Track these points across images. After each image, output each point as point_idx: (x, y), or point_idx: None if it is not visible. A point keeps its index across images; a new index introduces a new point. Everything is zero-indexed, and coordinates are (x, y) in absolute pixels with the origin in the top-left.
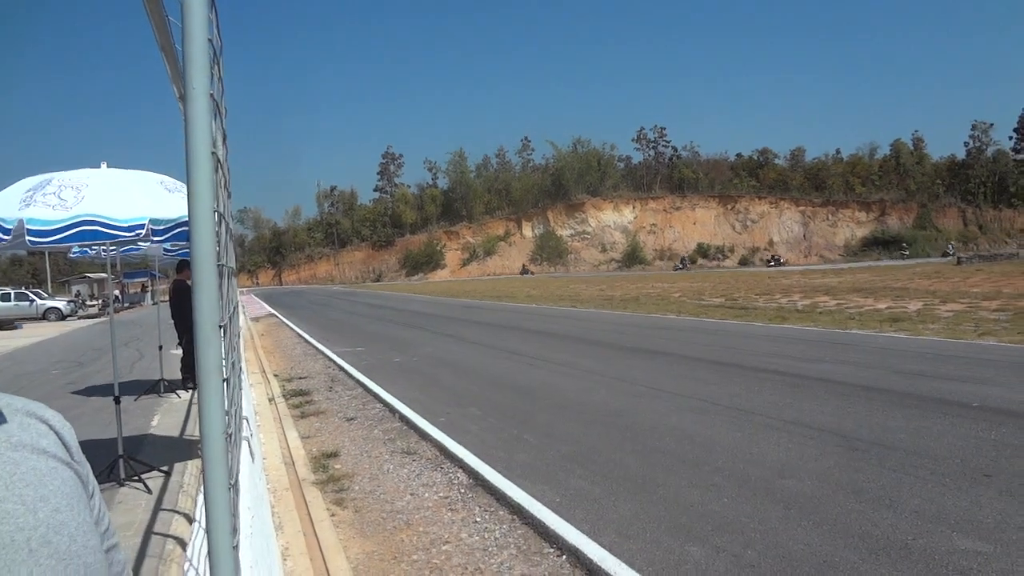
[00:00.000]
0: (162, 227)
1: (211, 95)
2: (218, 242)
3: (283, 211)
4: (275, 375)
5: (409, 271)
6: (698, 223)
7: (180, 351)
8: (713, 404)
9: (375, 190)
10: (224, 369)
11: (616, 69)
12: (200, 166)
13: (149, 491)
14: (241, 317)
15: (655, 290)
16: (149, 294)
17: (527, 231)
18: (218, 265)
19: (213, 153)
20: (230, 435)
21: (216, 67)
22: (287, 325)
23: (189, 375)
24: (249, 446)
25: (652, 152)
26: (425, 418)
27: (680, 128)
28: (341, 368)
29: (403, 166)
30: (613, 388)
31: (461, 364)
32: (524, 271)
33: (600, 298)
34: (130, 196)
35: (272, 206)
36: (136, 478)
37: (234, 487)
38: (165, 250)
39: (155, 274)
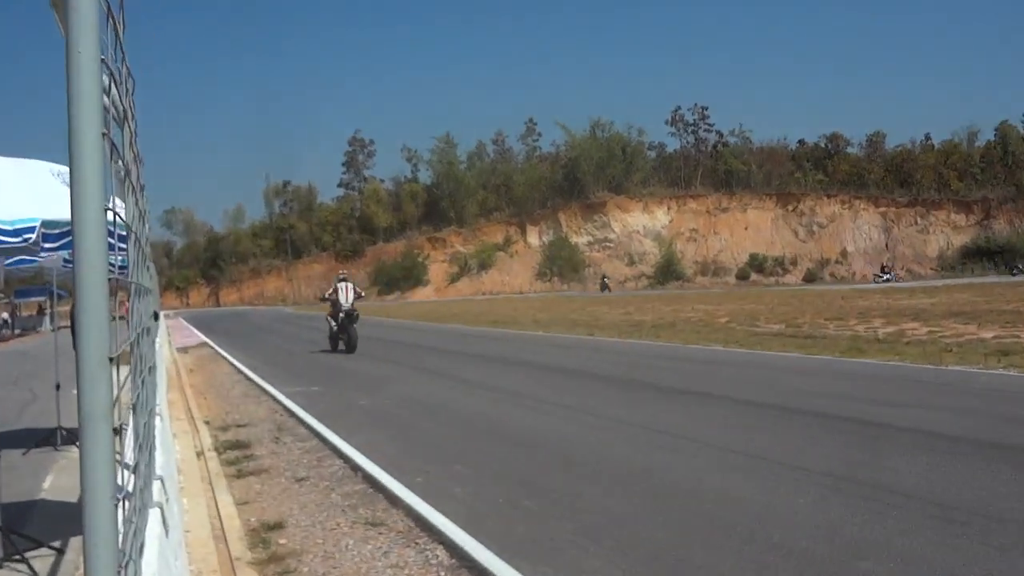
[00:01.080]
0: (58, 231)
1: (102, 60)
2: (127, 250)
3: (221, 212)
4: (206, 422)
5: (383, 289)
6: (751, 228)
7: None
8: (767, 461)
9: (339, 185)
10: (116, 415)
11: (645, 33)
12: (85, 149)
13: (35, 575)
14: (163, 347)
15: (696, 313)
16: (47, 317)
17: (533, 238)
18: (112, 279)
19: (104, 134)
20: (123, 500)
21: (112, 17)
22: (223, 357)
23: None
24: (162, 515)
25: (691, 138)
26: (397, 478)
27: (726, 108)
28: (291, 413)
29: (374, 155)
30: (639, 439)
31: (446, 409)
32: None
33: (626, 323)
34: (14, 192)
35: (208, 206)
36: (18, 557)
37: (125, 569)
38: (66, 261)
39: (54, 292)
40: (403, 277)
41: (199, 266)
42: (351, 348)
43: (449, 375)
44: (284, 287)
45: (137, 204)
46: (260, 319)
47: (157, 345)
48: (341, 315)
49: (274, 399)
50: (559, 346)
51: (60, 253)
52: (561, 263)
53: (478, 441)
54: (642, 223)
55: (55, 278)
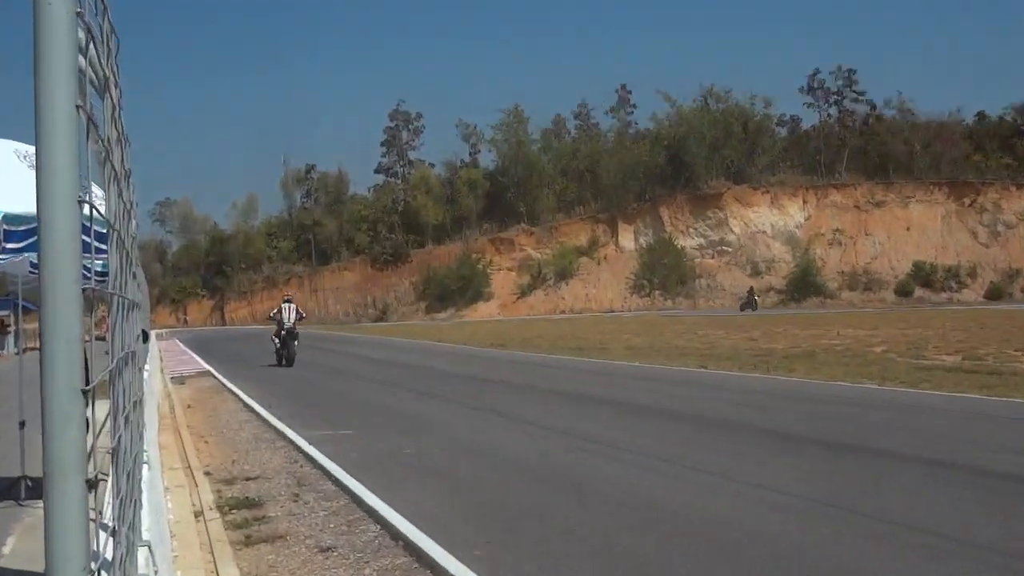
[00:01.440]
0: (24, 227)
1: (78, 13)
2: (108, 252)
3: (228, 205)
4: (207, 473)
5: (432, 304)
6: (914, 228)
7: None
8: (940, 537)
9: (377, 171)
10: (92, 463)
11: None
12: (55, 124)
13: None
14: (153, 376)
15: (842, 340)
16: (11, 337)
17: (627, 240)
18: (87, 289)
19: (79, 106)
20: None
21: None
22: (230, 390)
23: None
24: None
25: (834, 110)
26: (450, 550)
27: (880, 71)
28: (315, 463)
29: (422, 133)
30: (819, 521)
31: (512, 460)
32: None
33: (750, 352)
34: None
35: (211, 197)
36: None
37: None
38: (33, 266)
39: (19, 304)
40: (459, 289)
41: (200, 273)
42: (289, 362)
43: (516, 416)
44: (306, 300)
45: (121, 195)
46: None
47: (146, 374)
48: (283, 332)
49: (293, 445)
50: (661, 381)
51: (26, 255)
52: (663, 272)
53: (559, 505)
54: (770, 221)
55: (20, 287)
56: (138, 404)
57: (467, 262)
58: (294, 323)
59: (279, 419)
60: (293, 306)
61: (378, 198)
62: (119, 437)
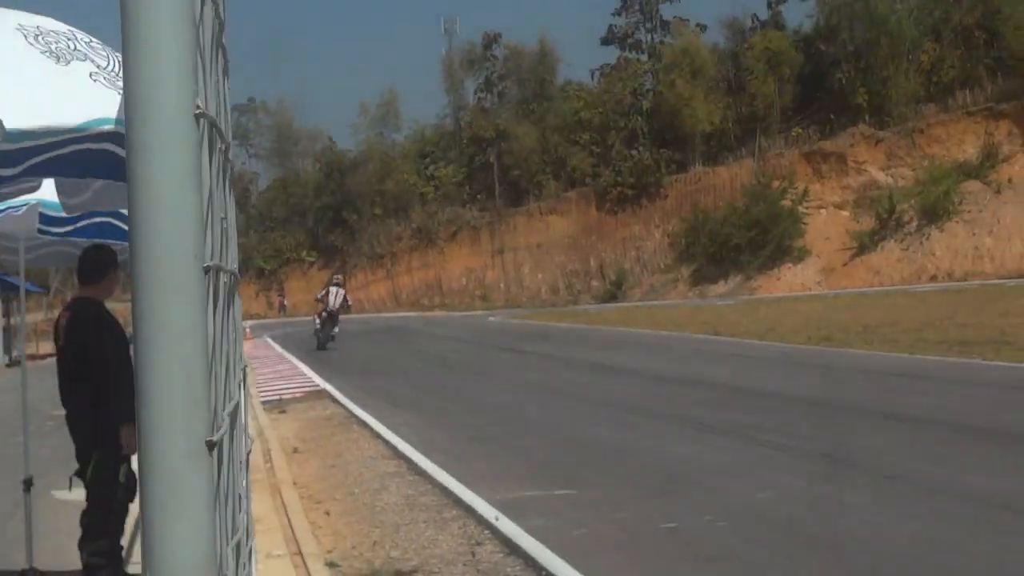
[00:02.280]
0: (36, 154)
1: None
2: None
3: (354, 109)
4: (332, 565)
5: (702, 271)
6: None
7: (79, 490)
8: None
9: (607, 41)
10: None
11: None
12: None
13: None
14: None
15: None
16: (0, 336)
17: None
18: (206, 268)
19: None
20: None
21: None
22: (363, 422)
23: (102, 558)
24: None
25: None
26: None
27: None
28: (513, 549)
29: None
30: None
31: (864, 543)
32: None
33: None
34: None
35: (324, 99)
36: None
37: None
38: (47, 223)
39: (20, 285)
40: (749, 244)
41: (307, 226)
42: (321, 345)
43: (862, 466)
44: (485, 269)
45: (220, 92)
46: (449, 339)
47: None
48: (325, 314)
49: (474, 515)
50: None
51: (32, 203)
52: None
53: None
54: None
55: (22, 257)
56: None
57: (764, 195)
58: (338, 308)
59: (448, 470)
60: (342, 291)
61: (608, 88)
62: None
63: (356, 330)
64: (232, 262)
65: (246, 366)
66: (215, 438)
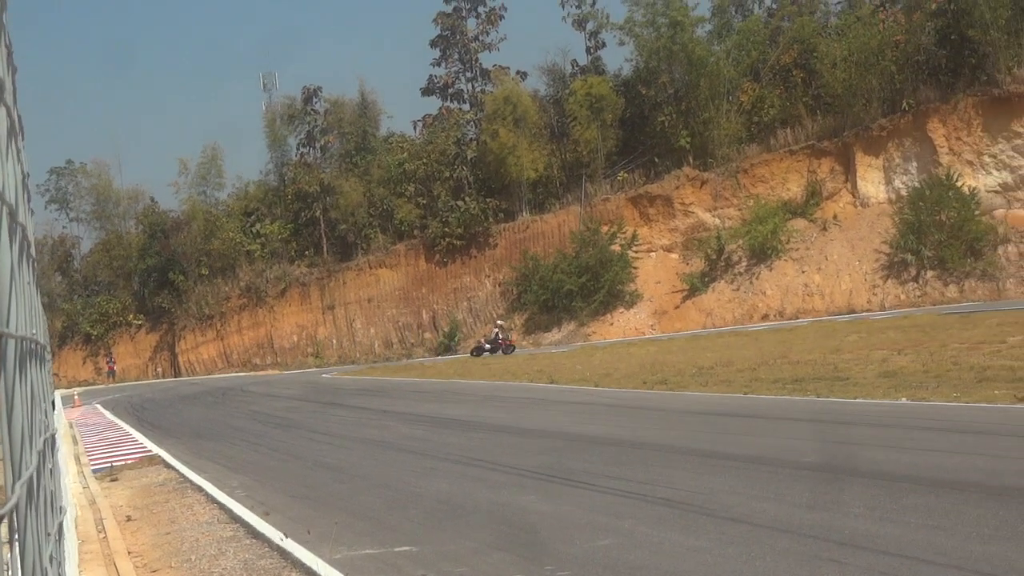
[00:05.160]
0: None
1: None
2: None
3: (174, 168)
4: None
5: (536, 319)
6: None
7: None
8: None
9: (428, 91)
10: None
11: None
12: None
13: None
14: (66, 470)
15: None
16: None
17: (871, 182)
18: None
19: None
20: None
21: None
22: (196, 486)
23: None
24: None
25: None
26: None
27: None
28: None
29: (502, 20)
30: None
31: None
32: None
33: None
34: None
35: (142, 157)
36: None
37: None
38: None
39: None
40: (581, 291)
41: (132, 289)
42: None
43: (696, 505)
44: (318, 326)
45: (18, 155)
46: (279, 404)
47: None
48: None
49: None
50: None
51: None
52: (940, 236)
53: None
54: None
55: None
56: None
57: (593, 240)
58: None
59: (286, 531)
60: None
61: (431, 139)
62: None
63: (187, 393)
64: (34, 329)
65: (53, 434)
66: (2, 511)
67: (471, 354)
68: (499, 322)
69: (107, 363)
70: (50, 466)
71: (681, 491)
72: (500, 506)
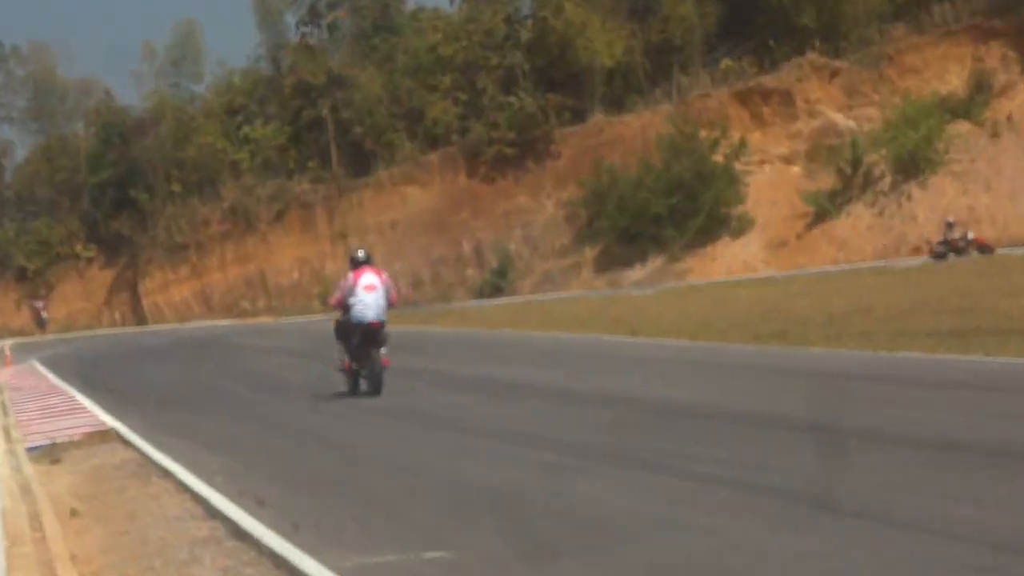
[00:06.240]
0: None
1: None
2: None
3: (135, 51)
4: None
5: (610, 253)
6: None
7: None
8: None
9: None
10: None
11: None
12: None
13: None
14: None
15: None
16: None
17: None
18: None
19: None
20: None
21: None
22: (162, 468)
23: None
24: None
25: None
26: None
27: None
28: None
29: None
30: None
31: None
32: None
33: None
34: None
35: (93, 36)
36: None
37: None
38: None
39: None
40: (671, 215)
41: (81, 208)
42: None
43: (833, 499)
44: (326, 259)
45: None
46: (272, 361)
47: None
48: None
49: None
50: None
51: None
52: None
53: None
54: None
55: None
56: None
57: (689, 148)
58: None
59: (280, 531)
60: (377, 277)
61: (474, 16)
62: None
63: (155, 345)
64: None
65: None
66: None
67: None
68: (359, 251)
69: (35, 307)
70: None
71: (793, 478)
72: (557, 496)
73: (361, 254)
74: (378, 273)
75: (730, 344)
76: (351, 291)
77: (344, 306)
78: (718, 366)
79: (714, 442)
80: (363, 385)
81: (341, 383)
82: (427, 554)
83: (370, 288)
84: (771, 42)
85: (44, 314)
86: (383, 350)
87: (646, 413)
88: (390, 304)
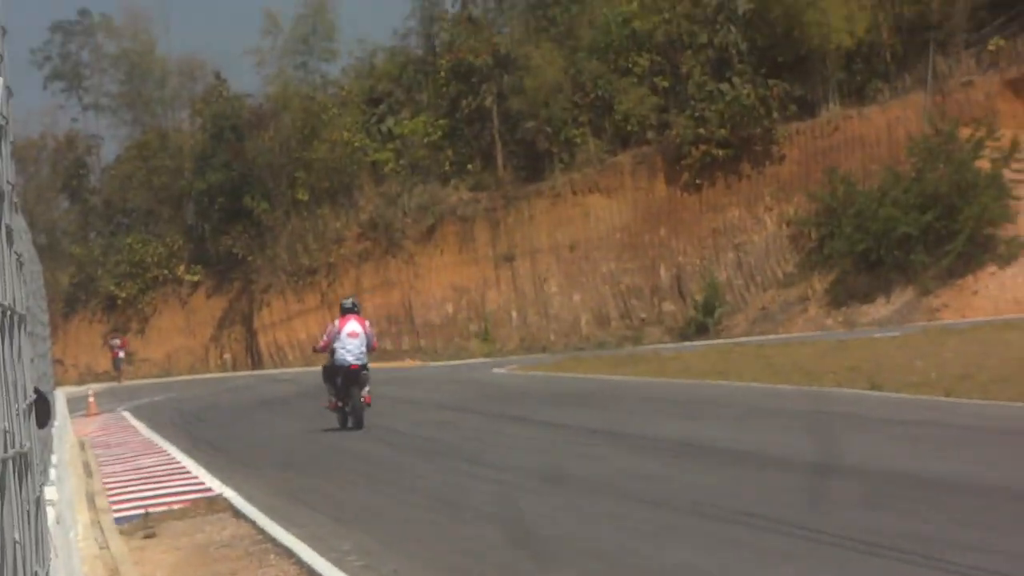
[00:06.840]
0: None
1: None
2: None
3: (253, 24)
4: None
5: (845, 282)
6: None
7: None
8: None
9: None
10: None
11: None
12: None
13: None
14: (68, 520)
15: None
16: None
17: None
18: None
19: None
20: None
21: None
22: (285, 550)
23: None
24: None
25: None
26: None
27: None
28: None
29: None
30: None
31: None
32: None
33: None
34: None
35: (200, 4)
36: None
37: None
38: None
39: None
40: (929, 236)
41: (184, 224)
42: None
43: None
44: (487, 288)
45: None
46: (419, 415)
47: (50, 514)
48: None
49: None
50: None
51: None
52: None
53: None
54: None
55: None
56: None
57: (947, 152)
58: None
59: None
60: (360, 326)
61: None
62: None
63: (273, 395)
64: (15, 293)
65: (26, 452)
66: None
67: None
68: (348, 301)
69: (113, 345)
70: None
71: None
72: None
73: (348, 303)
74: (361, 321)
75: (996, 402)
76: (336, 337)
77: (331, 350)
78: (981, 429)
79: (984, 526)
80: (349, 421)
81: (333, 419)
82: None
83: (353, 335)
84: None
85: (121, 354)
86: (365, 389)
87: (900, 488)
88: (370, 349)
